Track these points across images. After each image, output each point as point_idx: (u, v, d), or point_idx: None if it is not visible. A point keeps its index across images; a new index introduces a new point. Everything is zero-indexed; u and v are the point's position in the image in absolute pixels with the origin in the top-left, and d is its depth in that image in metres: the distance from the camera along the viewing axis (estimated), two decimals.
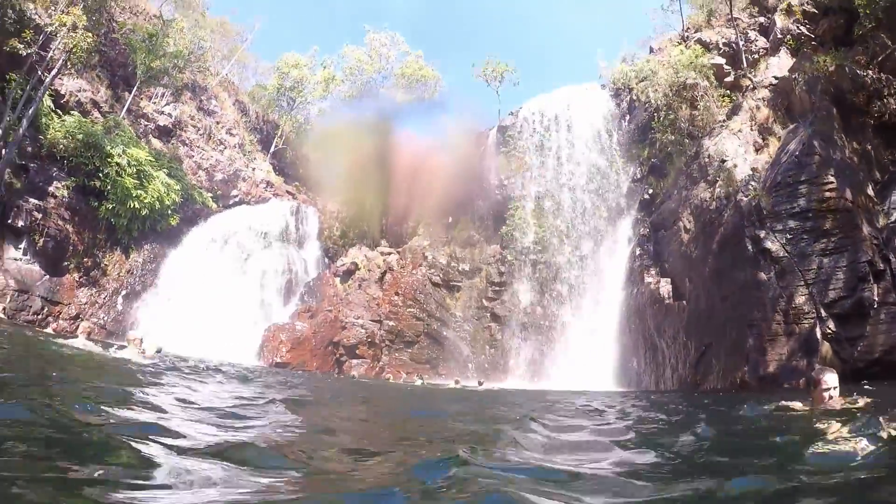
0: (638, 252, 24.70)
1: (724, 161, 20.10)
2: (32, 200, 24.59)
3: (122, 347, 12.93)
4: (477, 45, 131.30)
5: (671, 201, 23.64)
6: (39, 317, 24.16)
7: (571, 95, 34.14)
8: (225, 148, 38.92)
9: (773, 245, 16.92)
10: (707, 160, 21.28)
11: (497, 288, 31.97)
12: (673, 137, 25.54)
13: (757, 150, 20.36)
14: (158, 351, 13.66)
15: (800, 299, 16.06)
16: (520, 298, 30.93)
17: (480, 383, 26.15)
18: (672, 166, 24.95)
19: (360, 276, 30.61)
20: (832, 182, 16.43)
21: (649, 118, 28.38)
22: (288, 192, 42.50)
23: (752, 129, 20.90)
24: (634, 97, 30.44)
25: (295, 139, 48.88)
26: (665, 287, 21.84)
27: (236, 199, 37.70)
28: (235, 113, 42.93)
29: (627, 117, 31.73)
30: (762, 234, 17.19)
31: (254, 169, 40.94)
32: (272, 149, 45.07)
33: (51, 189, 25.59)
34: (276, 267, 32.65)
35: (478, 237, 33.54)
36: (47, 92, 25.57)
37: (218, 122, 38.98)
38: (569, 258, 30.13)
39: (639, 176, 29.00)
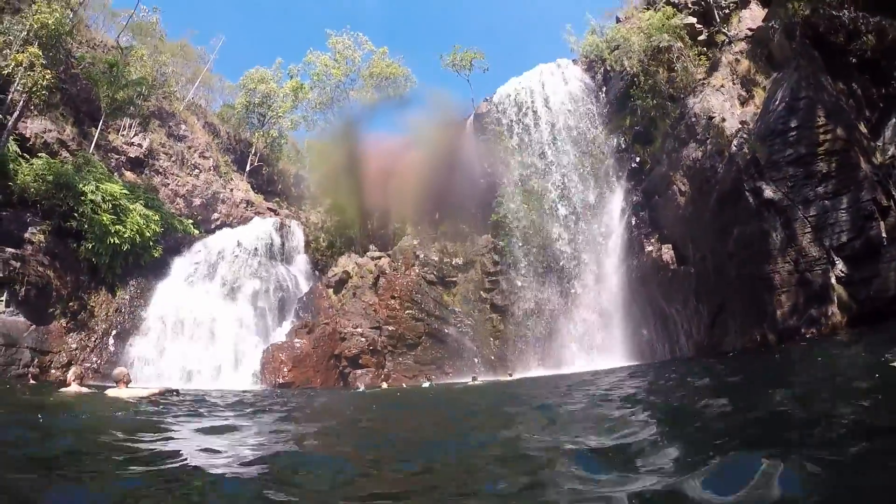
0: (634, 221, 24.50)
1: (711, 118, 19.97)
2: (9, 249, 23.68)
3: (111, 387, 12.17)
4: (445, 37, 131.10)
5: (661, 166, 23.46)
6: (30, 370, 23.01)
7: (543, 74, 33.95)
8: (200, 172, 38.33)
9: (774, 194, 16.75)
10: (694, 119, 21.16)
11: (493, 278, 31.58)
12: (654, 102, 25.25)
13: (743, 104, 20.26)
14: (175, 393, 12.80)
15: (808, 246, 15.87)
16: (518, 285, 30.52)
17: (474, 378, 25.91)
18: (657, 131, 24.74)
19: (354, 284, 29.89)
20: (825, 123, 16.18)
21: (627, 87, 28.06)
22: (269, 208, 41.77)
23: (734, 84, 20.81)
24: (609, 68, 30.36)
25: (270, 155, 48.47)
26: (668, 253, 21.57)
27: (218, 223, 37.01)
28: (206, 135, 42.28)
29: (604, 89, 31.56)
30: (762, 185, 17.04)
31: (232, 190, 40.34)
32: (248, 167, 44.43)
33: (26, 235, 24.77)
34: (267, 286, 32.01)
35: (467, 229, 33.05)
36: (11, 136, 24.94)
37: (190, 147, 38.24)
38: (562, 236, 29.90)
39: (623, 146, 28.63)
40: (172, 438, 6.95)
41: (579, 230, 29.25)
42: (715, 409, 6.56)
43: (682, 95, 23.82)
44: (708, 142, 19.86)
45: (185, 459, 5.03)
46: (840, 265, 15.49)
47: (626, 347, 23.98)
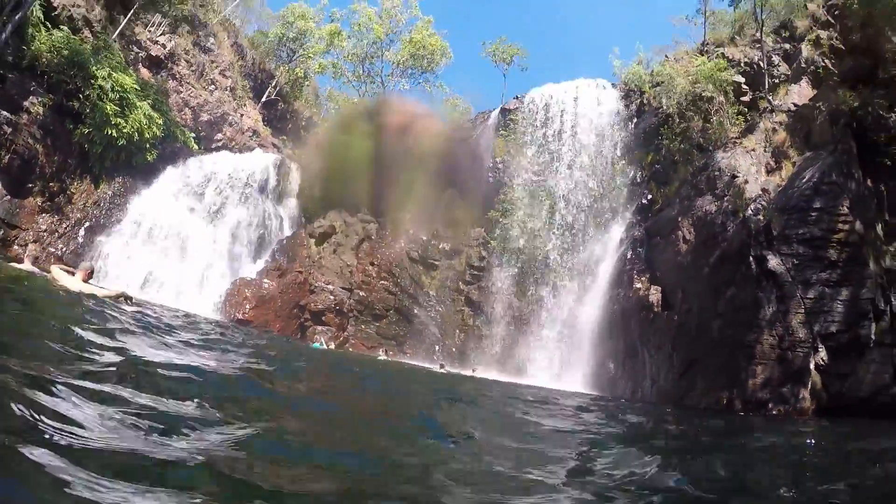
0: (629, 255, 24.26)
1: (735, 177, 19.95)
2: (4, 113, 22.62)
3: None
4: (492, 25, 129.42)
5: (671, 209, 23.36)
6: None
7: (580, 88, 33.38)
8: (216, 89, 37.05)
9: (778, 267, 16.87)
10: (717, 174, 21.12)
11: (476, 272, 31.07)
12: (682, 146, 25.08)
13: (769, 172, 20.32)
14: (127, 299, 12.23)
15: (797, 327, 16.02)
16: (498, 286, 30.23)
17: (442, 366, 25.79)
18: (676, 175, 24.69)
19: (337, 240, 29.24)
20: (846, 213, 16.26)
21: (658, 124, 27.77)
22: (274, 144, 40.83)
23: (765, 151, 20.85)
24: (645, 101, 30.21)
25: (289, 92, 46.99)
26: (655, 295, 21.43)
27: (219, 144, 35.96)
28: (232, 55, 40.84)
29: (635, 120, 31.22)
30: (768, 254, 17.13)
31: (242, 115, 39.06)
32: (264, 98, 43.26)
33: (26, 104, 23.62)
34: (251, 220, 31.23)
35: (464, 217, 32.42)
36: (39, 0, 23.55)
37: (213, 62, 37.21)
38: (555, 251, 29.73)
39: (638, 180, 28.51)
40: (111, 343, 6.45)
41: (574, 249, 29.45)
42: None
43: (710, 148, 23.84)
44: (725, 199, 19.84)
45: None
46: (822, 353, 15.78)
47: (590, 375, 23.91)
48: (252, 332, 21.38)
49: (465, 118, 38.76)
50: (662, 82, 27.47)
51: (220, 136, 36.61)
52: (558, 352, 26.90)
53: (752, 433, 11.55)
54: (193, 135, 33.06)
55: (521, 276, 30.25)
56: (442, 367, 25.33)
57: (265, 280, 27.69)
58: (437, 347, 29.80)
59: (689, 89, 25.85)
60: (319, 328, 27.90)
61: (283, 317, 27.20)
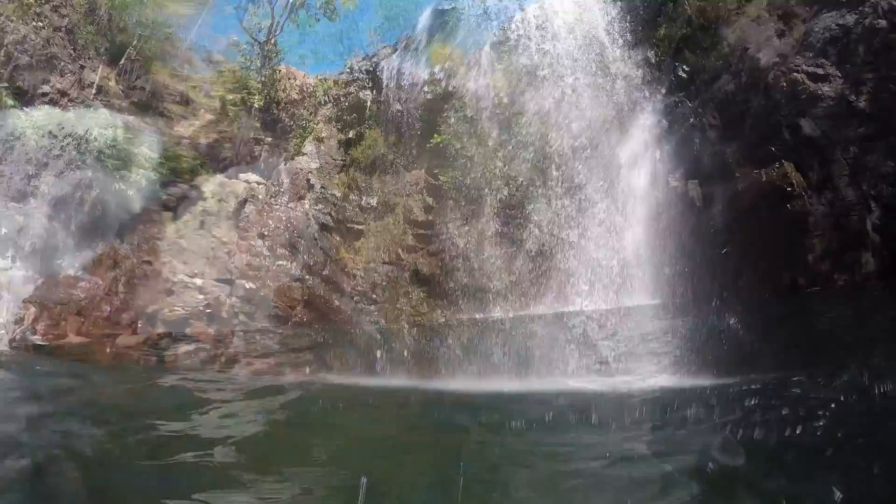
0: (658, 154, 21.16)
1: (746, 49, 19.39)
2: None
3: None
4: None
5: (689, 97, 21.56)
6: None
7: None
8: (43, 27, 29.09)
9: (813, 132, 16.58)
10: (727, 50, 20.41)
11: (422, 231, 24.05)
12: (684, 31, 22.78)
13: (779, 36, 19.09)
14: None
15: (845, 189, 15.74)
16: (458, 244, 22.65)
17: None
18: (727, 27, 21.63)
19: (205, 208, 19.99)
20: (871, 61, 15.96)
21: (654, 13, 24.19)
22: (128, 109, 32.32)
23: (770, 15, 19.63)
24: None
25: (159, 59, 37.91)
26: (694, 190, 19.53)
27: (43, 99, 27.80)
28: None
29: (628, 17, 25.26)
30: (800, 121, 16.89)
31: (82, 67, 30.64)
32: (122, 61, 34.37)
33: None
34: (79, 193, 23.88)
35: (392, 157, 25.41)
36: None
37: None
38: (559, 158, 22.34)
39: (654, 60, 23.76)
40: None
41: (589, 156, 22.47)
42: None
43: (711, 26, 22.07)
44: (742, 73, 19.26)
45: None
46: (876, 213, 15.32)
47: (649, 285, 20.02)
48: (56, 369, 16.03)
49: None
50: None
51: (46, 88, 28.34)
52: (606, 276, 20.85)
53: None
54: (5, 84, 26.18)
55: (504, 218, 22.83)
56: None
57: (86, 276, 20.66)
58: (379, 354, 21.79)
59: None
60: (183, 347, 19.92)
61: (116, 332, 19.20)
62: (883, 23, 17.22)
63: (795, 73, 19.27)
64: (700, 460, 7.49)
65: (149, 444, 8.66)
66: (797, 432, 7.76)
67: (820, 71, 18.70)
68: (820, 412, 9.48)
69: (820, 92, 18.74)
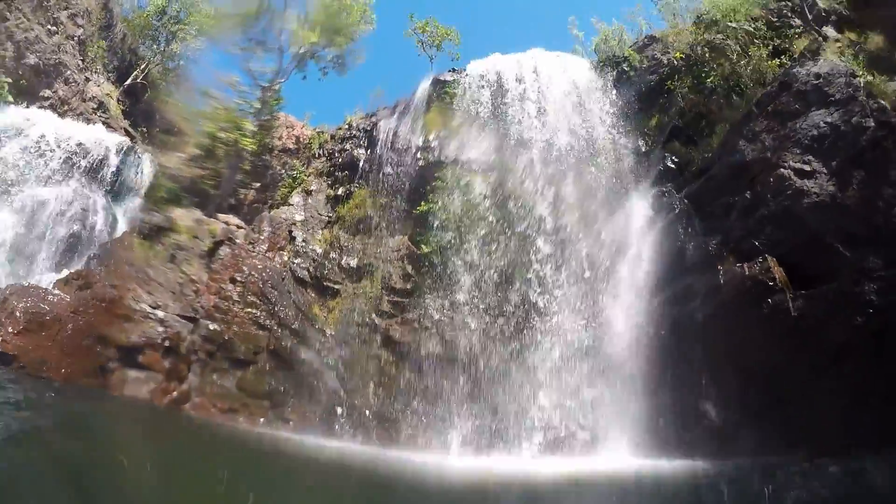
0: (681, 232, 19.54)
1: (854, 75, 17.69)
2: None
3: None
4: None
5: (735, 156, 19.29)
6: None
7: (538, 59, 27.26)
8: (57, 32, 30.22)
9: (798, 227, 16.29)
10: (816, 82, 18.17)
11: (398, 299, 23.53)
12: (720, 87, 22.47)
13: (768, 132, 18.65)
14: None
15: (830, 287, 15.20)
16: (434, 318, 22.18)
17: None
18: (711, 125, 22.38)
19: (178, 242, 19.73)
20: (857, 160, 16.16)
21: (661, 81, 24.62)
22: (127, 131, 34.00)
23: (759, 110, 19.34)
24: (625, 69, 26.63)
25: (162, 87, 39.45)
26: (775, 270, 16.21)
27: (45, 104, 28.78)
28: (97, 7, 34.65)
29: (614, 93, 26.23)
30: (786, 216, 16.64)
31: (87, 79, 32.19)
32: (129, 81, 37.64)
33: None
34: (64, 209, 23.89)
35: (378, 220, 25.19)
36: None
37: None
38: (540, 252, 22.06)
39: (644, 149, 24.27)
40: None
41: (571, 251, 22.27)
42: None
43: (704, 119, 22.50)
44: (852, 103, 17.05)
45: None
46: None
47: (639, 432, 17.57)
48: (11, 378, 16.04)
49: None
50: (652, 42, 26.65)
51: (48, 92, 29.43)
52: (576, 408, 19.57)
53: None
54: (9, 80, 26.70)
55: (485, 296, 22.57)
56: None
57: (55, 291, 19.90)
58: (339, 411, 21.45)
59: (698, 37, 24.31)
60: (132, 374, 19.31)
61: (73, 352, 18.59)
62: (870, 122, 17.29)
63: (782, 169, 19.08)
64: None
65: None
66: None
67: (807, 167, 18.50)
68: None
69: (805, 188, 18.64)
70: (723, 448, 16.40)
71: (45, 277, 22.37)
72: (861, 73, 18.46)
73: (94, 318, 19.57)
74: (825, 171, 17.39)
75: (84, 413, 14.83)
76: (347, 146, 28.63)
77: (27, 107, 27.75)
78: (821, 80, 18.73)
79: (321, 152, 29.34)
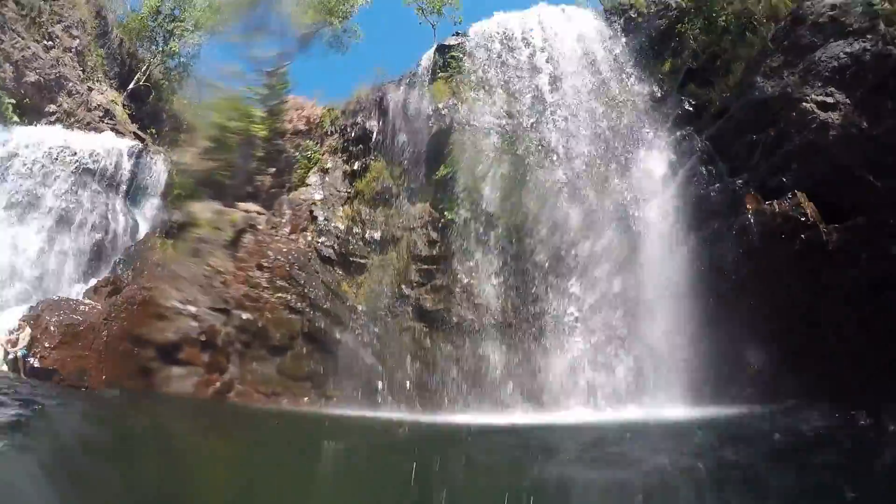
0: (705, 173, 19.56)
1: (753, 81, 18.64)
2: None
3: None
4: None
5: (754, 92, 19.05)
6: None
7: (543, 14, 27.02)
8: (53, 46, 30.41)
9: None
10: (833, 12, 17.69)
11: (427, 266, 23.38)
12: (734, 25, 21.67)
13: (786, 67, 18.29)
14: None
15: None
16: (464, 282, 21.96)
17: (402, 427, 18.45)
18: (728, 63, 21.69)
19: (201, 235, 22.14)
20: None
21: (670, 25, 24.16)
22: (136, 133, 34.14)
23: (775, 46, 18.94)
24: (633, 15, 26.14)
25: (166, 87, 39.02)
26: (805, 206, 15.91)
27: (51, 119, 29.19)
28: (88, 14, 34.69)
29: (623, 40, 26.00)
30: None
31: (90, 89, 32.29)
32: (131, 86, 37.69)
33: None
34: (85, 219, 24.30)
35: (397, 189, 25.10)
36: None
37: (55, 13, 30.79)
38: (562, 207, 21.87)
39: (659, 94, 23.76)
40: None
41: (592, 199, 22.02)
42: None
43: (718, 59, 21.89)
44: (872, 33, 16.53)
45: None
46: None
47: (687, 382, 17.30)
48: (52, 392, 16.07)
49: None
50: None
51: (53, 107, 29.75)
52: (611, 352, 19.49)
53: None
54: (12, 101, 26.93)
55: (507, 260, 22.23)
56: (402, 427, 18.58)
57: (86, 301, 20.71)
58: (380, 385, 21.57)
59: None
60: (176, 370, 19.48)
61: (110, 358, 19.01)
62: (893, 49, 16.82)
63: (804, 103, 18.68)
64: None
65: None
66: None
67: (829, 100, 18.16)
68: None
69: (830, 120, 18.21)
70: (767, 393, 16.15)
71: (75, 289, 22.88)
72: (878, 1, 17.94)
73: (128, 322, 19.91)
74: (849, 102, 17.05)
75: (147, 418, 15.19)
76: (359, 119, 28.26)
77: (34, 125, 28.03)
78: (836, 10, 18.29)
79: (333, 129, 29.02)
